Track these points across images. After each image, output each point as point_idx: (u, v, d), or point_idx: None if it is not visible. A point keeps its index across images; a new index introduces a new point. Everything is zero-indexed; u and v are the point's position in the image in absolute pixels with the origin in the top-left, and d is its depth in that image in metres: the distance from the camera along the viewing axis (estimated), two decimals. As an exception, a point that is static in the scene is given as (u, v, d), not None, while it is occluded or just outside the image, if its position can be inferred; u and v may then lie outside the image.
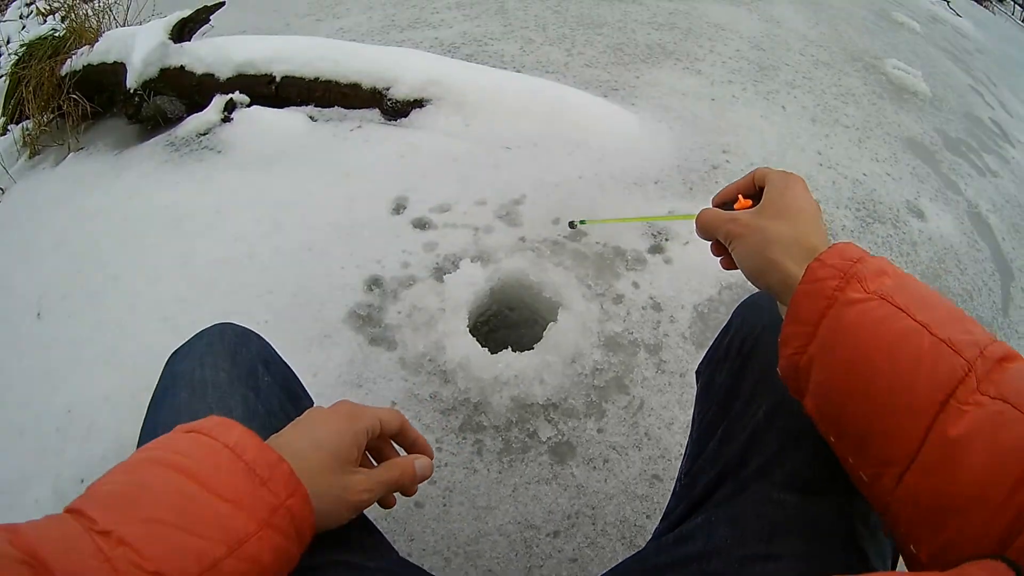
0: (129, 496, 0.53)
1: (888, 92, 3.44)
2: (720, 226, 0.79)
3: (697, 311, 1.80)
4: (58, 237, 2.19)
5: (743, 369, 0.87)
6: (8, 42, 6.26)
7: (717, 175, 2.26)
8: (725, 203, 0.86)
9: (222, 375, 0.81)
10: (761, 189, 0.81)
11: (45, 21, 6.63)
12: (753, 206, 0.79)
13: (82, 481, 1.50)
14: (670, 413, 1.59)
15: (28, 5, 7.34)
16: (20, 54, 3.06)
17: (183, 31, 2.67)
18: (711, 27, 3.54)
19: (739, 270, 0.79)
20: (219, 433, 0.59)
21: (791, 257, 0.70)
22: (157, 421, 0.79)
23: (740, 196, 0.85)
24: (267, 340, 0.94)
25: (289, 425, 0.71)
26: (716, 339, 0.98)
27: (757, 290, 0.79)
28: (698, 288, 1.85)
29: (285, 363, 0.94)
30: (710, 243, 0.85)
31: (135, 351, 1.71)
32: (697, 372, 1.03)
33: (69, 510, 0.52)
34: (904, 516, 0.57)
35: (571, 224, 0.91)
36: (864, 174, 2.55)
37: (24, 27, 6.72)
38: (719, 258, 0.86)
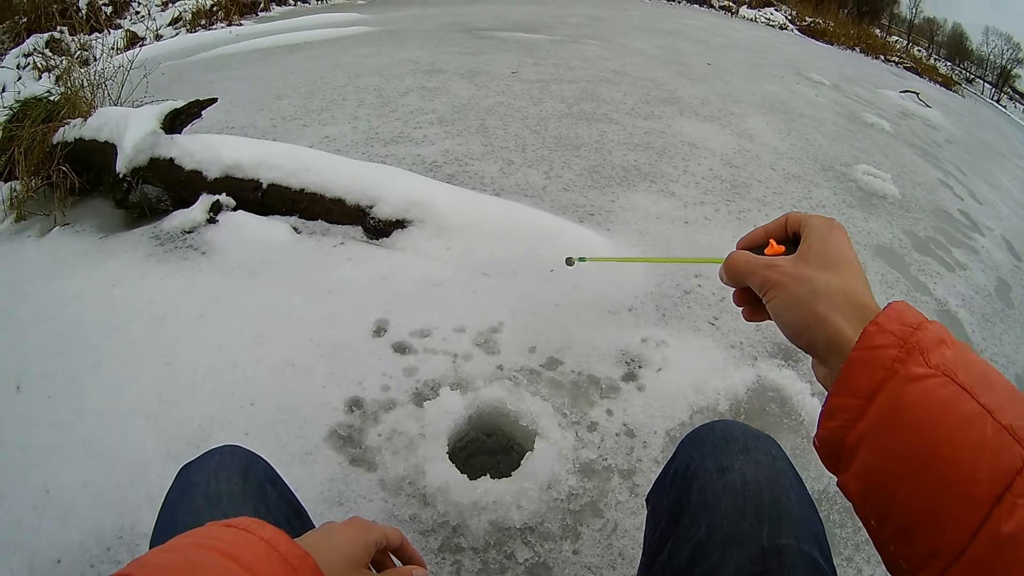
0: (179, 568, 0.61)
1: (858, 199, 3.69)
2: (756, 271, 0.73)
3: (669, 436, 1.93)
4: (40, 313, 2.29)
5: (687, 493, 0.96)
6: (4, 89, 6.48)
7: (689, 300, 2.44)
8: (752, 248, 0.79)
9: (235, 488, 0.95)
10: (794, 235, 0.77)
11: (41, 77, 6.86)
12: (786, 253, 0.74)
13: (59, 562, 1.57)
14: (643, 535, 1.69)
15: (26, 56, 7.57)
16: (14, 111, 3.22)
17: (175, 121, 2.84)
18: (685, 145, 3.80)
19: (768, 321, 0.76)
20: (255, 529, 0.69)
21: (840, 314, 0.65)
22: (176, 521, 0.90)
23: (772, 241, 0.78)
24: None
25: (308, 533, 0.83)
26: (663, 469, 1.12)
27: (703, 422, 0.86)
28: (670, 414, 1.99)
29: (287, 484, 1.08)
30: (734, 291, 0.81)
31: (116, 444, 1.80)
32: (647, 499, 1.16)
33: (121, 575, 0.59)
34: None
35: (568, 261, 0.93)
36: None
37: (20, 77, 6.93)
38: (741, 308, 0.82)
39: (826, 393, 0.66)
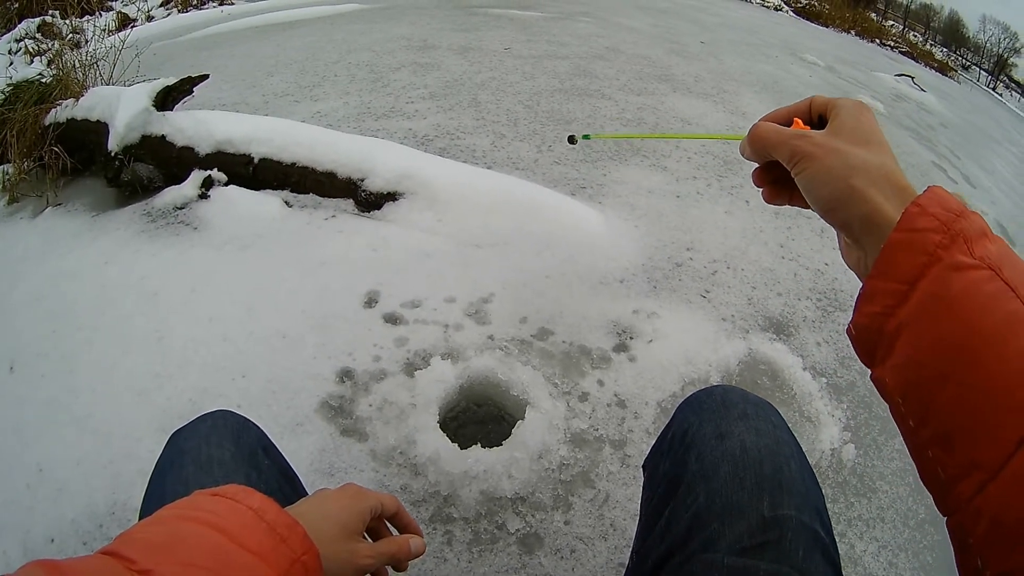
0: (165, 543, 0.59)
1: (850, 178, 3.67)
2: (786, 141, 0.67)
3: (660, 407, 1.93)
4: (33, 293, 2.28)
5: (684, 459, 0.95)
6: (-5, 74, 6.43)
7: (681, 273, 2.43)
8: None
9: (227, 454, 0.93)
10: (819, 118, 0.72)
11: (33, 61, 6.81)
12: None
13: (52, 540, 1.57)
14: (635, 505, 1.68)
15: (18, 41, 7.52)
16: (6, 94, 3.19)
17: (167, 99, 2.81)
18: (678, 121, 3.78)
19: (791, 205, 0.74)
20: (242, 497, 0.68)
21: (879, 190, 0.61)
22: (164, 490, 0.89)
23: (797, 120, 0.73)
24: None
25: (301, 500, 0.82)
26: (660, 434, 1.09)
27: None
28: (661, 385, 1.98)
29: (279, 451, 1.06)
30: (754, 169, 0.77)
31: (109, 420, 1.80)
32: (643, 465, 1.13)
33: (105, 552, 0.57)
34: (977, 530, 0.51)
35: (571, 139, 0.87)
36: (826, 263, 2.74)
37: (12, 63, 6.88)
38: (761, 189, 0.77)
39: (858, 278, 0.64)
